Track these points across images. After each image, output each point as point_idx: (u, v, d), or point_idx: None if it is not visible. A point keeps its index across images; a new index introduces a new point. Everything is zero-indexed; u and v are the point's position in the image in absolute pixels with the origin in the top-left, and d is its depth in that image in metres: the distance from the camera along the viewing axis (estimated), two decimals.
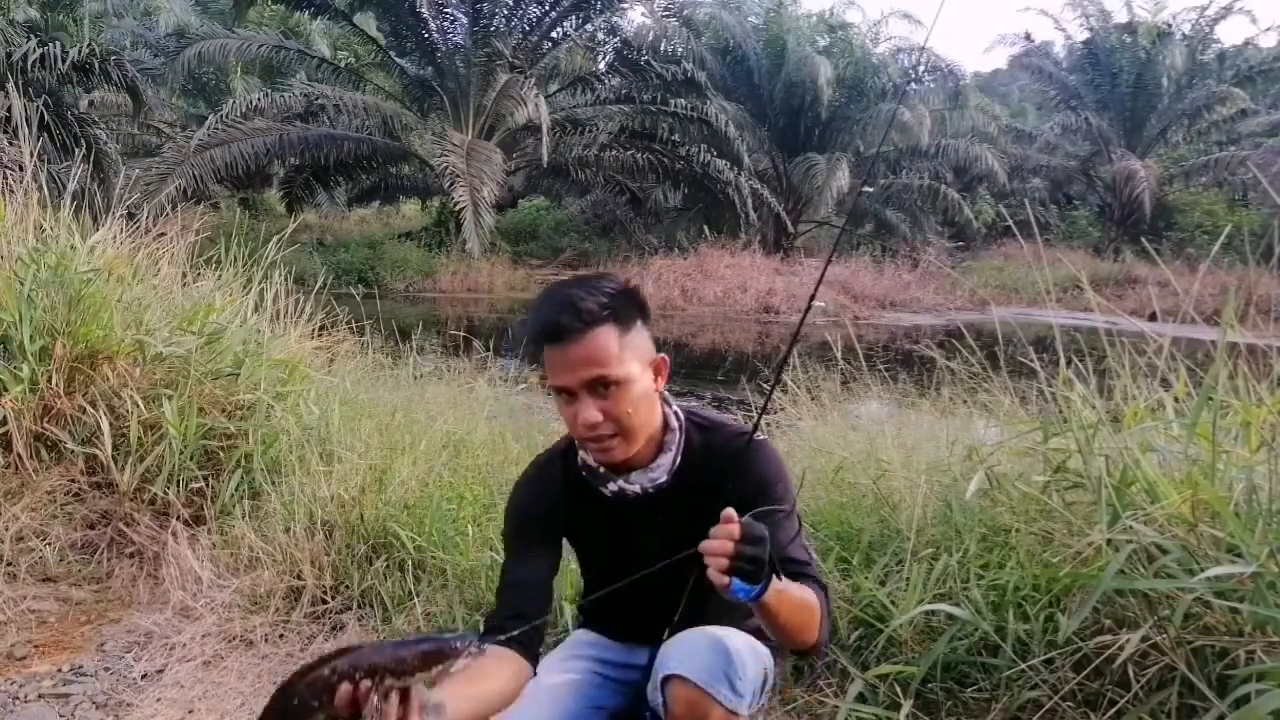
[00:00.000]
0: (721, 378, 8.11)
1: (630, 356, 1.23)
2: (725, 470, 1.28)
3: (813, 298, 1.43)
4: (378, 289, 13.42)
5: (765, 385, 1.44)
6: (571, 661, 1.45)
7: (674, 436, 1.34)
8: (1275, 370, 1.82)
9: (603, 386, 1.21)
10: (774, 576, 1.09)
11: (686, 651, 1.23)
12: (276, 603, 2.39)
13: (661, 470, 1.32)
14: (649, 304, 1.32)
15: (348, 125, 16.05)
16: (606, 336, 1.21)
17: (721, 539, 1.06)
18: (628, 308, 1.25)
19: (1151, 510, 1.58)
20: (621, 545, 1.36)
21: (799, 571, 1.27)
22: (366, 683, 0.95)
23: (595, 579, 1.49)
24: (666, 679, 1.21)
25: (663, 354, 1.31)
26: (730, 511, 1.09)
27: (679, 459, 1.33)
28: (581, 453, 1.35)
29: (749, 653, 1.27)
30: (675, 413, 1.37)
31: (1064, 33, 31.05)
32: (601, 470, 1.34)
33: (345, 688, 0.95)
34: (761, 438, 1.35)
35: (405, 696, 0.96)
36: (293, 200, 17.15)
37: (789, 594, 1.17)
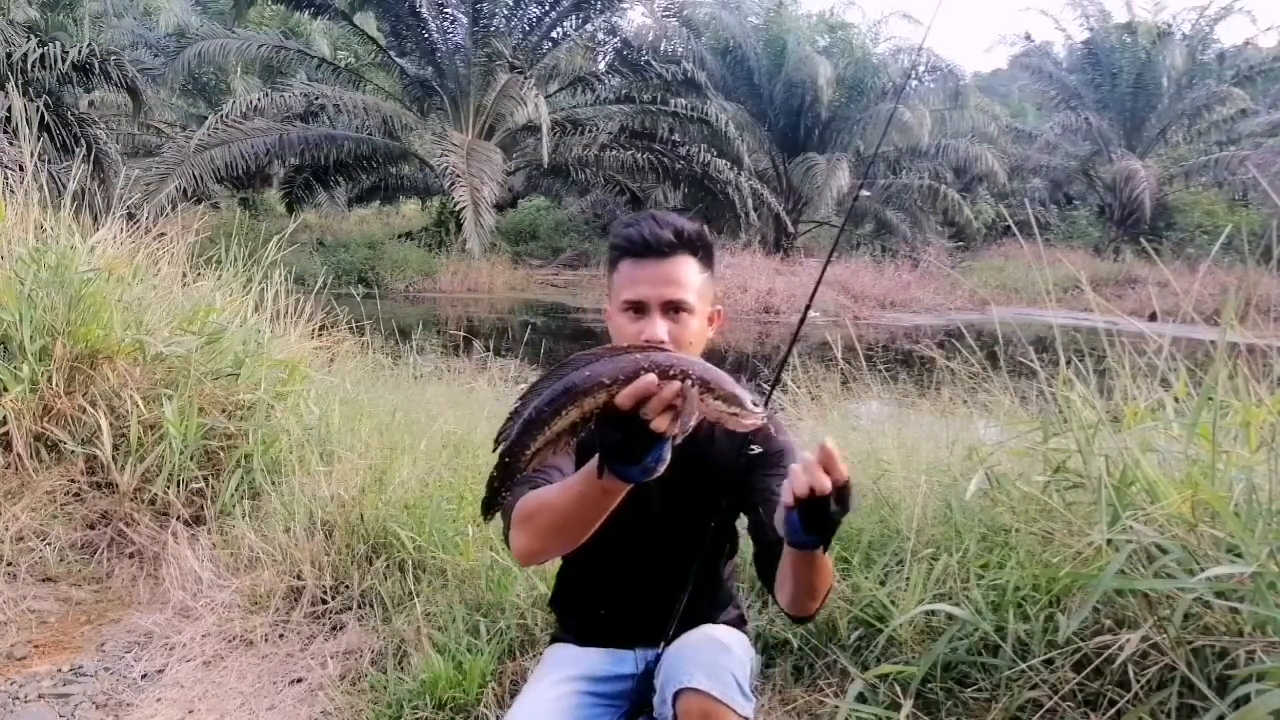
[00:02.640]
0: None
1: (704, 294, 1.29)
2: (741, 439, 1.26)
3: (811, 299, 1.44)
4: (378, 289, 13.42)
5: (765, 385, 1.44)
6: (557, 687, 1.35)
7: None
8: (1275, 370, 1.82)
9: (675, 310, 1.25)
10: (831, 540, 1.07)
11: (694, 662, 1.20)
12: (276, 603, 2.39)
13: None
14: None
15: (348, 125, 16.06)
16: (693, 266, 1.27)
17: (818, 476, 0.97)
18: (711, 252, 1.32)
19: (1151, 510, 1.58)
20: (630, 500, 1.24)
21: None
22: (675, 384, 0.95)
23: (578, 558, 1.35)
24: (679, 692, 1.18)
25: (720, 307, 1.35)
26: (828, 443, 0.99)
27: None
28: None
29: (743, 650, 1.27)
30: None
31: (1064, 32, 31.11)
32: None
33: (649, 378, 0.94)
34: (770, 411, 1.34)
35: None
36: (293, 200, 17.15)
37: (828, 557, 1.17)
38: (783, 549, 1.15)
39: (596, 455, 1.02)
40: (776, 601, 1.27)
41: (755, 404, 1.01)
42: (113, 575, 2.70)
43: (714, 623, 1.36)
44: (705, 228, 1.32)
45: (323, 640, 2.28)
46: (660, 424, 0.95)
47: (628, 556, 1.35)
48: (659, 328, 1.24)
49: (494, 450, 1.04)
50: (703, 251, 1.29)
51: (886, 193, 19.59)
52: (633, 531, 1.28)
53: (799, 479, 0.98)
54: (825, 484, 0.97)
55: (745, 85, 19.30)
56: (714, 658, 1.21)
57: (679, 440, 0.98)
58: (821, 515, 1.00)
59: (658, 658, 1.31)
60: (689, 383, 0.96)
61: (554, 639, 1.50)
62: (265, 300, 3.57)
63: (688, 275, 1.27)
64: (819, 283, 1.53)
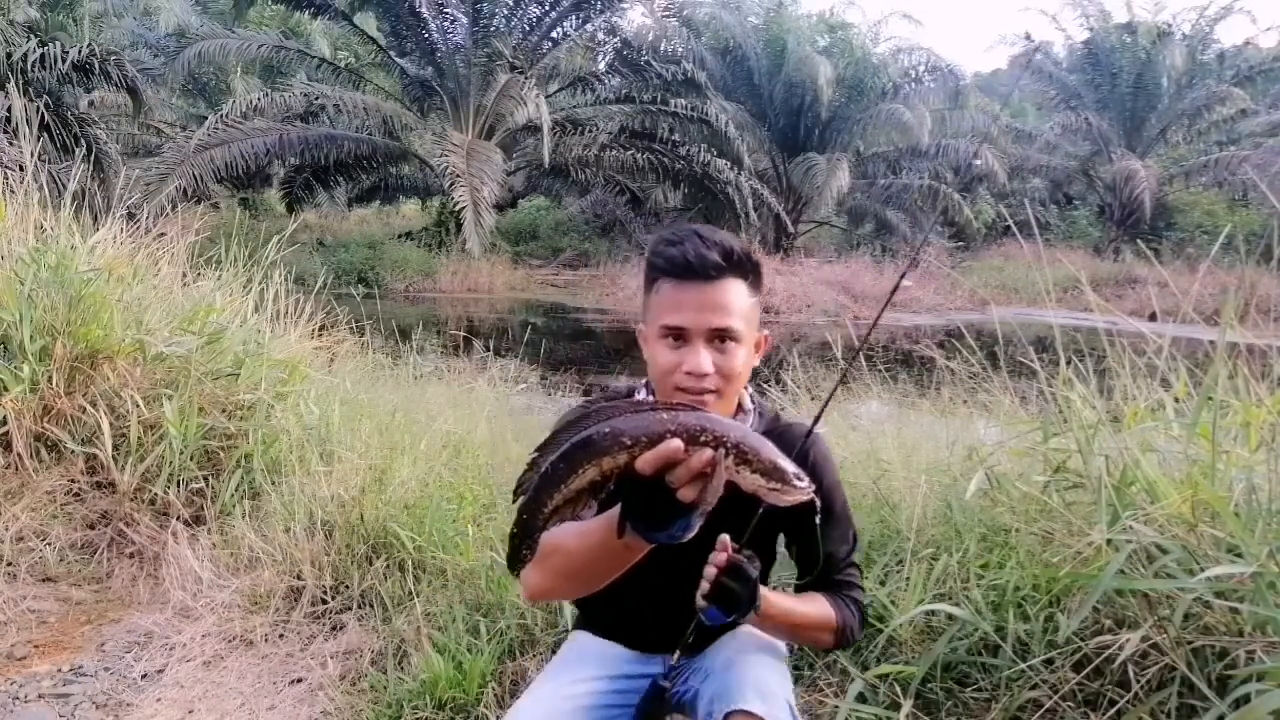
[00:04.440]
0: None
1: (751, 319, 1.20)
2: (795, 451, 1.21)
3: (888, 300, 1.41)
4: (378, 289, 13.43)
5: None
6: (576, 684, 1.30)
7: (747, 419, 1.29)
8: (1275, 370, 1.82)
9: (721, 339, 1.16)
10: (752, 611, 1.13)
11: (746, 682, 1.18)
12: (276, 603, 2.39)
13: None
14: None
15: (348, 125, 16.06)
16: (741, 290, 1.18)
17: (710, 565, 1.10)
18: (760, 274, 1.22)
19: (1151, 510, 1.58)
20: None
21: (835, 577, 1.30)
22: (706, 453, 0.86)
23: None
24: (731, 713, 1.15)
25: (766, 331, 1.26)
26: (725, 539, 1.11)
27: None
28: None
29: (787, 666, 1.29)
30: (751, 395, 1.33)
31: (1064, 32, 31.07)
32: None
33: (674, 444, 0.85)
34: (822, 431, 1.31)
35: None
36: (293, 200, 17.15)
37: (781, 616, 1.19)
38: (821, 575, 1.28)
39: (619, 509, 0.94)
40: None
41: (800, 477, 0.91)
42: (113, 575, 2.70)
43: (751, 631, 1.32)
44: (752, 248, 1.22)
45: (323, 640, 2.28)
46: (687, 494, 0.87)
47: (663, 560, 1.26)
48: (702, 358, 1.14)
49: (513, 502, 0.97)
50: (752, 275, 1.20)
51: (887, 193, 19.59)
52: (660, 557, 1.23)
53: (701, 586, 1.10)
54: (715, 571, 1.10)
55: (745, 85, 19.30)
56: (765, 677, 1.19)
57: (705, 509, 0.89)
58: (726, 597, 1.10)
59: (686, 663, 1.30)
60: (721, 452, 0.87)
61: (577, 625, 1.46)
62: (265, 300, 3.57)
63: (736, 300, 1.16)
64: (895, 288, 1.42)
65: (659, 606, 1.30)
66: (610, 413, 0.90)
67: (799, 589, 1.33)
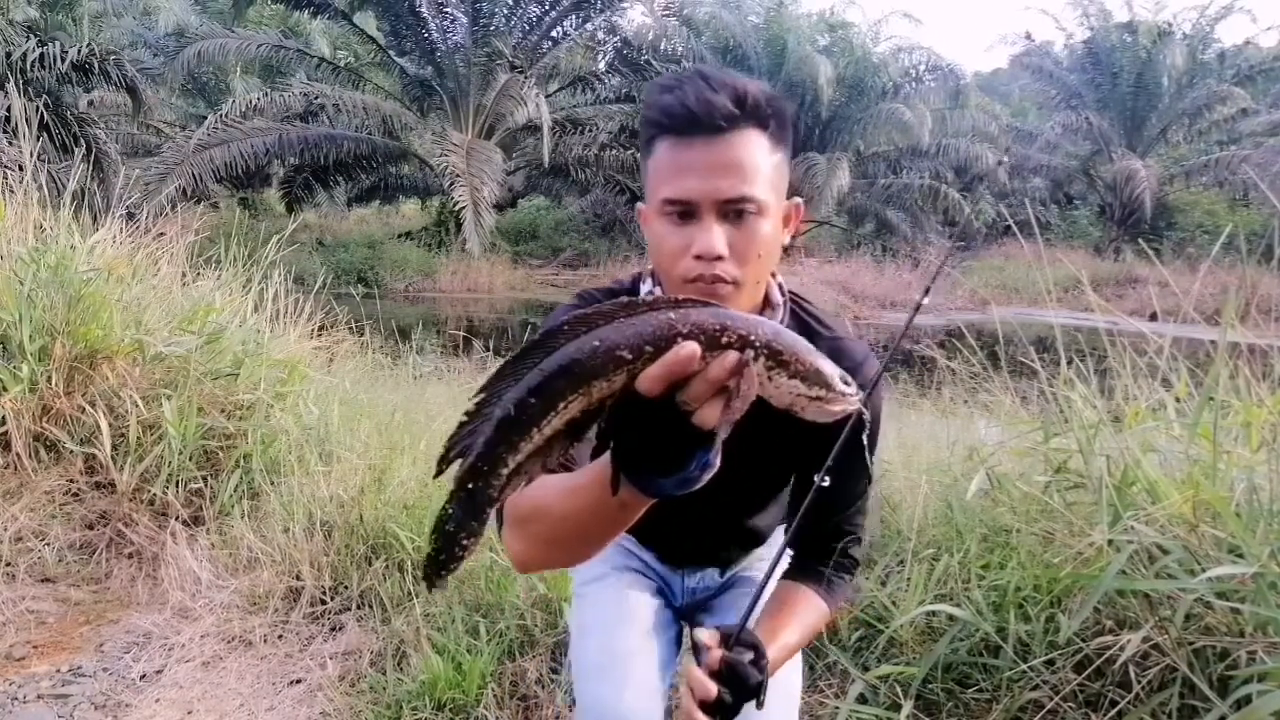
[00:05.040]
0: None
1: (777, 185, 0.93)
2: None
3: (919, 305, 1.17)
4: (377, 289, 13.43)
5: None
6: (622, 568, 1.29)
7: (776, 315, 1.04)
8: (1276, 370, 1.82)
9: (737, 212, 0.90)
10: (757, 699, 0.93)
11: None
12: (275, 603, 2.39)
13: None
14: None
15: (347, 125, 16.05)
16: (760, 146, 0.91)
17: (699, 684, 0.90)
18: (784, 123, 0.94)
19: (1153, 510, 1.58)
20: None
21: (836, 550, 1.13)
22: (731, 356, 0.65)
23: None
24: None
25: (798, 199, 0.99)
26: (708, 635, 0.92)
27: None
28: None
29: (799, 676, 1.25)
30: (780, 285, 1.07)
31: (1065, 32, 31.06)
32: None
33: (689, 347, 0.63)
34: (866, 353, 1.11)
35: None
36: (292, 200, 17.15)
37: (784, 659, 1.05)
38: (824, 528, 1.10)
39: (607, 458, 0.72)
40: None
41: (846, 381, 0.70)
42: (111, 576, 2.69)
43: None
44: (778, 92, 0.95)
45: (322, 641, 2.28)
46: (707, 416, 0.65)
47: (675, 500, 1.15)
48: (715, 236, 0.89)
49: (437, 472, 0.68)
50: (775, 123, 0.92)
51: (887, 192, 19.59)
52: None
53: (689, 705, 0.90)
54: (710, 691, 0.89)
55: None
56: (785, 676, 1.12)
57: (725, 434, 0.67)
58: (721, 711, 0.90)
59: (705, 594, 1.29)
60: (750, 353, 0.66)
61: None
62: (265, 300, 3.57)
63: (754, 158, 0.90)
64: (925, 292, 1.20)
65: (685, 525, 1.18)
66: (594, 320, 0.66)
67: (790, 572, 1.15)
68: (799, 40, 18.78)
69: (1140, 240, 14.95)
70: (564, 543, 0.83)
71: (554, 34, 17.24)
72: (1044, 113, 27.14)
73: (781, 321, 1.03)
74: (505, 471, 0.66)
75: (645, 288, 1.09)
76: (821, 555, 1.13)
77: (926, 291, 1.14)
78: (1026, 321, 2.68)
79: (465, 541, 0.68)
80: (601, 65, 18.50)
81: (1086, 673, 1.57)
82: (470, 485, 0.66)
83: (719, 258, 0.90)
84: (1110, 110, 21.38)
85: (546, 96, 14.58)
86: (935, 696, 1.74)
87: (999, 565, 1.85)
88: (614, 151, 16.81)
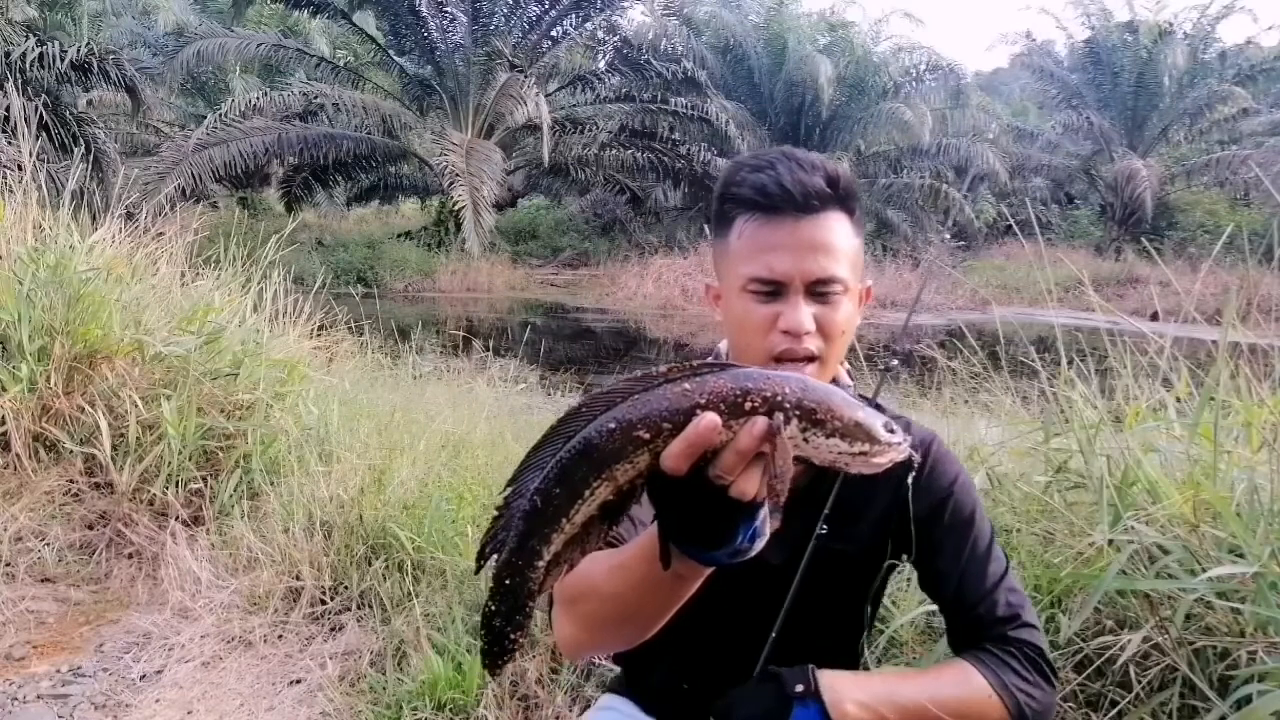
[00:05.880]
0: None
1: (856, 266, 0.93)
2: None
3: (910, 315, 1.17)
4: (377, 289, 13.42)
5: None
6: None
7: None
8: (1277, 370, 1.82)
9: (822, 290, 0.89)
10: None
11: None
12: (275, 603, 2.39)
13: None
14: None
15: (347, 124, 16.05)
16: (844, 228, 0.91)
17: None
18: (862, 206, 0.96)
19: (1153, 510, 1.58)
20: None
21: (990, 626, 0.94)
22: (759, 423, 0.61)
23: None
24: None
25: (870, 281, 0.99)
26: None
27: None
28: None
29: None
30: (847, 370, 1.04)
31: (1065, 31, 31.07)
32: None
33: (707, 420, 0.60)
34: (930, 433, 1.03)
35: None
36: (291, 199, 17.16)
37: (904, 703, 0.85)
38: (963, 614, 0.93)
39: (654, 530, 0.68)
40: None
41: (891, 429, 0.65)
42: (111, 576, 2.69)
43: None
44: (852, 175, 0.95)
45: (322, 641, 2.28)
46: (744, 489, 0.61)
47: (728, 618, 0.97)
48: (804, 314, 0.88)
49: (477, 568, 0.67)
50: (858, 207, 0.94)
51: (887, 192, 19.60)
52: (738, 586, 0.91)
53: None
54: None
55: (745, 84, 19.30)
56: None
57: (780, 504, 0.63)
58: None
59: None
60: (780, 418, 0.61)
61: (611, 689, 1.13)
62: (264, 300, 3.57)
63: (841, 239, 0.90)
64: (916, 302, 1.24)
65: (722, 677, 0.95)
66: (609, 399, 0.64)
67: (961, 634, 0.97)
68: (799, 40, 18.78)
69: (1141, 240, 14.96)
70: (616, 622, 0.79)
71: (554, 33, 17.24)
72: (1044, 112, 27.13)
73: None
74: (541, 564, 0.65)
75: None
76: (979, 634, 0.95)
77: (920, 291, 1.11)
78: (1027, 321, 2.68)
79: (513, 635, 0.67)
80: (601, 64, 18.50)
81: (1087, 673, 1.57)
82: (508, 580, 0.65)
83: (806, 332, 0.89)
84: (1111, 110, 21.38)
85: (546, 96, 14.57)
86: None
87: None
88: (614, 151, 16.81)
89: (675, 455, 0.60)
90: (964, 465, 1.05)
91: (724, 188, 0.94)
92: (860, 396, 1.00)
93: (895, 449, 0.65)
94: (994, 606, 0.94)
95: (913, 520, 0.96)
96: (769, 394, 0.62)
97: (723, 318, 0.96)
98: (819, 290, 0.89)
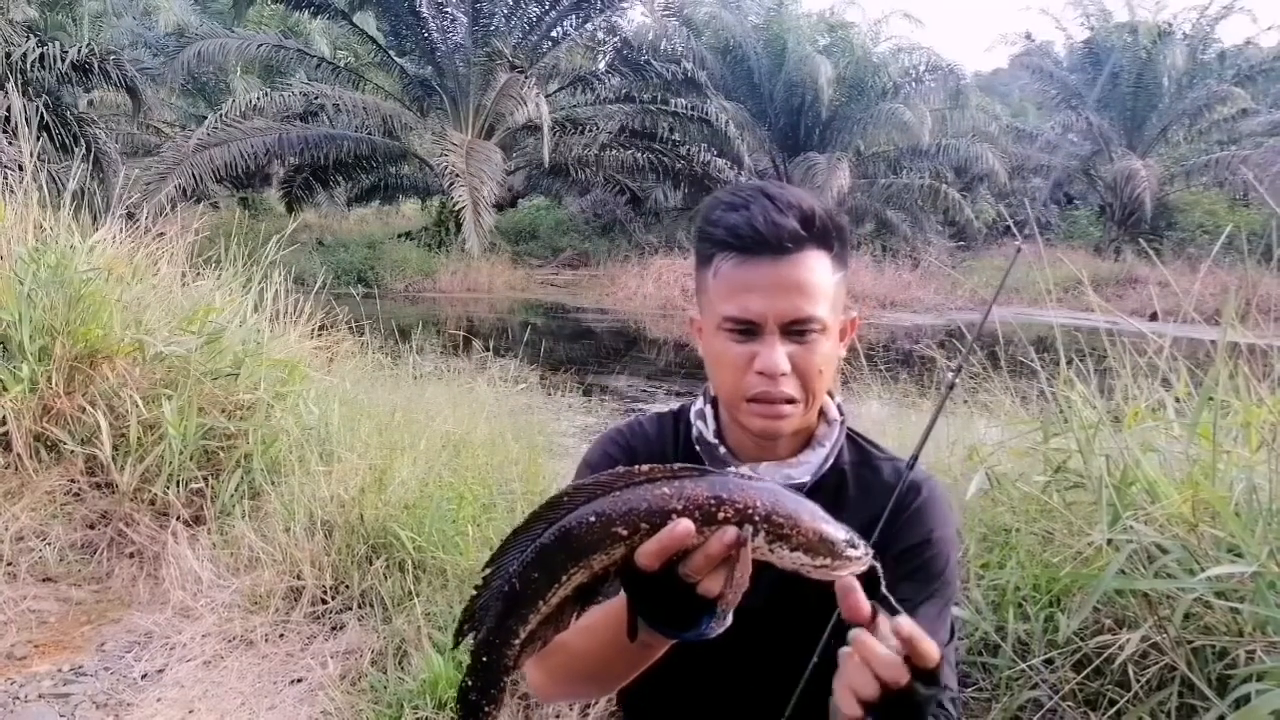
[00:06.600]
0: None
1: (837, 303, 0.93)
2: (888, 508, 0.92)
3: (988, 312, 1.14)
4: (377, 289, 13.42)
5: None
6: None
7: (831, 432, 0.99)
8: (1276, 370, 1.82)
9: (800, 331, 0.89)
10: None
11: None
12: (276, 603, 2.39)
13: (805, 469, 0.96)
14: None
15: (347, 125, 16.05)
16: (824, 265, 0.90)
17: (889, 657, 0.67)
18: (845, 242, 0.94)
19: (1152, 510, 1.58)
20: None
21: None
22: (729, 533, 0.65)
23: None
24: None
25: (855, 313, 0.98)
26: (901, 624, 0.68)
27: (830, 462, 0.98)
28: (699, 425, 1.00)
29: None
30: (838, 404, 1.03)
31: (1064, 32, 31.08)
32: (723, 450, 0.98)
33: (682, 526, 0.64)
34: (927, 476, 1.00)
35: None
36: (292, 200, 17.15)
37: None
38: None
39: (624, 600, 0.72)
40: None
41: (853, 544, 0.68)
42: (113, 575, 2.70)
43: None
44: (837, 209, 0.95)
45: (323, 640, 2.28)
46: (709, 588, 0.66)
47: (713, 665, 0.96)
48: (778, 355, 0.88)
49: (454, 644, 0.72)
50: (838, 243, 0.92)
51: (887, 192, 19.61)
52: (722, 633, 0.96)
53: (861, 676, 0.67)
54: (903, 676, 0.67)
55: (745, 85, 19.31)
56: None
57: (733, 603, 0.67)
58: (903, 711, 0.68)
59: None
60: (749, 530, 0.66)
61: None
62: (265, 300, 3.57)
63: (818, 278, 0.90)
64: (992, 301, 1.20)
65: (725, 693, 0.98)
66: (592, 491, 0.68)
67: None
68: (799, 40, 18.77)
69: (1140, 240, 14.96)
70: (584, 677, 0.82)
71: (554, 34, 17.23)
72: (1044, 113, 27.14)
73: (835, 441, 1.00)
74: (517, 642, 0.69)
75: (697, 406, 1.04)
76: None
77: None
78: (1026, 321, 2.68)
79: (488, 709, 0.71)
80: (601, 65, 18.49)
81: (1086, 672, 1.57)
82: (485, 658, 0.70)
83: (781, 374, 0.89)
84: (1110, 110, 21.38)
85: (546, 96, 14.57)
86: None
87: (998, 564, 1.85)
88: (614, 151, 16.81)
89: (649, 554, 0.65)
90: (955, 521, 1.01)
91: (702, 224, 0.95)
92: (850, 437, 1.03)
93: (856, 563, 0.69)
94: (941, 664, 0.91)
95: (882, 552, 0.90)
96: (741, 505, 0.67)
97: (703, 352, 0.97)
98: (795, 330, 0.90)
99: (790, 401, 0.91)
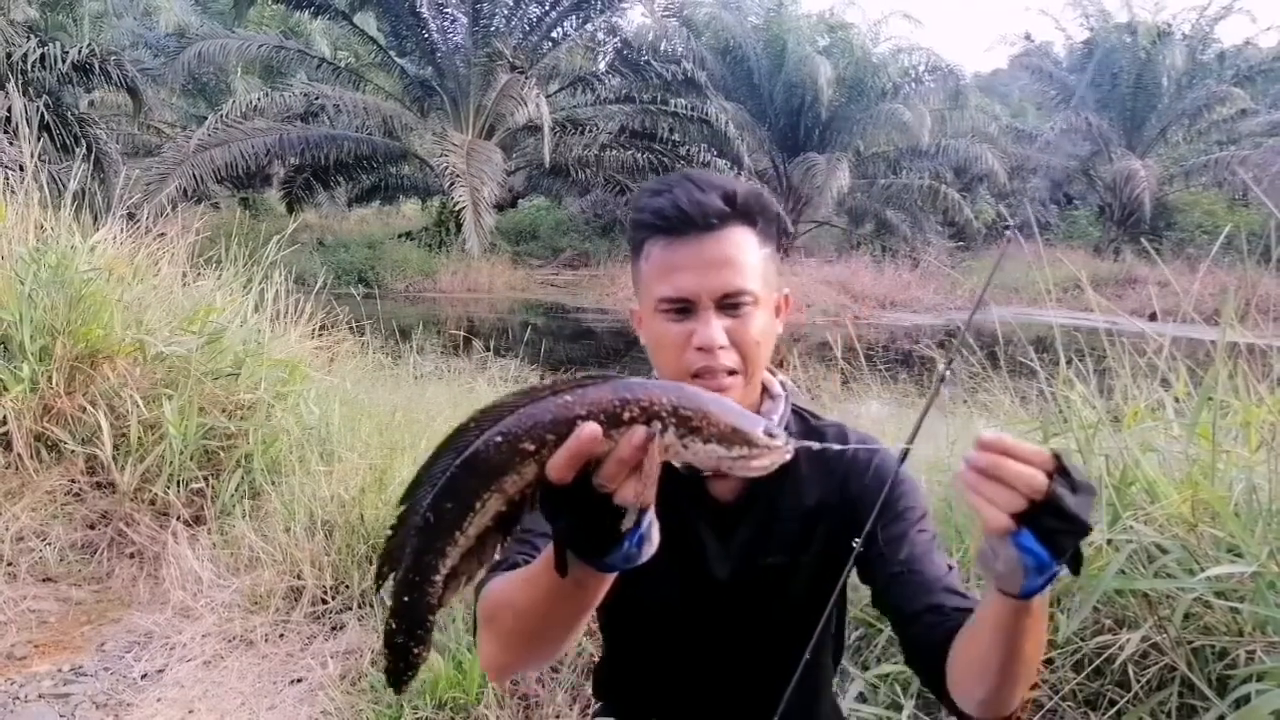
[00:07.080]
0: None
1: (768, 276, 0.96)
2: (840, 471, 0.98)
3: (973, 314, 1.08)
4: (378, 289, 13.42)
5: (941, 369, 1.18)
6: None
7: (777, 406, 1.02)
8: (1275, 370, 1.82)
9: (733, 304, 0.92)
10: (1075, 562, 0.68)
11: None
12: (276, 603, 2.39)
13: None
14: None
15: (348, 125, 16.06)
16: (749, 242, 0.94)
17: (1029, 464, 0.65)
18: (771, 220, 0.97)
19: (1151, 510, 1.58)
20: (677, 560, 0.93)
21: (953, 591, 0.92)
22: (638, 431, 0.63)
23: (622, 637, 1.07)
24: None
25: (788, 290, 1.01)
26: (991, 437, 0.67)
27: None
28: None
29: None
30: (782, 381, 1.05)
31: (1064, 32, 31.09)
32: None
33: (588, 429, 0.62)
34: (872, 437, 1.03)
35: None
36: (293, 200, 17.15)
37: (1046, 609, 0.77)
38: (962, 619, 0.84)
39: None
40: (952, 704, 0.89)
41: (771, 432, 0.67)
42: (113, 575, 2.70)
43: None
44: (763, 190, 0.98)
45: (323, 640, 2.28)
46: (626, 494, 0.64)
47: (684, 645, 1.00)
48: (714, 329, 0.91)
49: (376, 587, 0.70)
50: (762, 220, 0.95)
51: (887, 193, 19.61)
52: (688, 609, 0.98)
53: (1010, 498, 0.64)
54: (1040, 480, 0.64)
55: (745, 85, 19.31)
56: None
57: (644, 507, 0.66)
58: (1060, 521, 0.64)
59: None
60: (657, 425, 0.64)
61: (597, 715, 1.14)
62: (265, 300, 3.57)
63: (746, 253, 0.92)
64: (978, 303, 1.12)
65: (687, 707, 1.01)
66: (498, 412, 0.66)
67: (932, 649, 0.93)
68: (799, 41, 18.77)
69: (1140, 240, 14.95)
70: (532, 636, 0.81)
71: (554, 34, 17.24)
72: (1043, 113, 27.14)
73: (782, 415, 1.01)
74: (438, 578, 0.66)
75: None
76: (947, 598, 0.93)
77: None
78: (1026, 321, 2.68)
79: (416, 650, 0.68)
80: (601, 66, 18.49)
81: (1085, 672, 1.57)
82: (406, 597, 0.67)
83: (718, 347, 0.91)
84: (1110, 110, 21.38)
85: (547, 97, 14.57)
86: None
87: None
88: (614, 152, 16.81)
89: (559, 465, 0.63)
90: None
91: (631, 215, 0.98)
92: (795, 410, 1.04)
93: (775, 451, 0.67)
94: (955, 581, 0.94)
95: (860, 504, 0.96)
96: (646, 403, 0.65)
97: (644, 340, 0.99)
98: (728, 304, 0.92)
99: (732, 373, 0.93)
